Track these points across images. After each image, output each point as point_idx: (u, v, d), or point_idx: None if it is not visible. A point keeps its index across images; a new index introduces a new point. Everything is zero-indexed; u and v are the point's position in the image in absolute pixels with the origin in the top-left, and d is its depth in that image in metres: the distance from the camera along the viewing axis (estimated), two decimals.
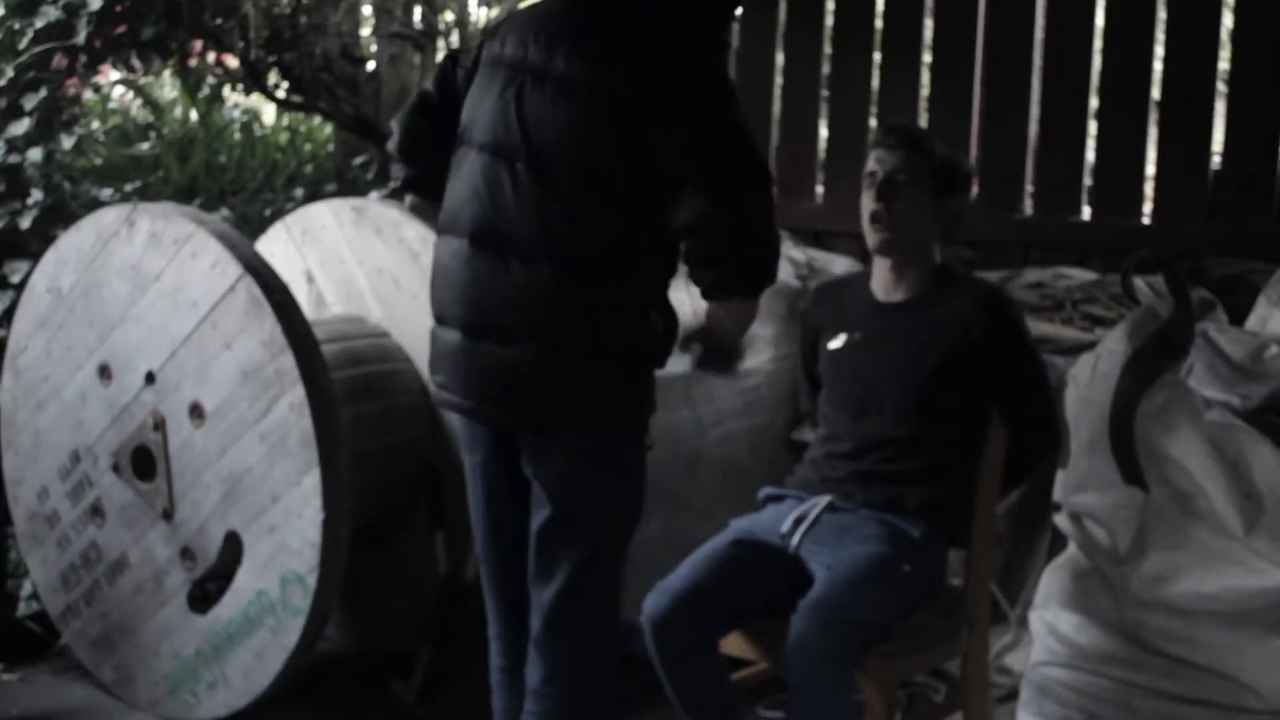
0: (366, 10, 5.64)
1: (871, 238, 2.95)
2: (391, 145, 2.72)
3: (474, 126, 2.55)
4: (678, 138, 2.40)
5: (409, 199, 2.80)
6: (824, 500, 2.90)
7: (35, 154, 4.05)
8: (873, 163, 2.95)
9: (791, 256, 4.21)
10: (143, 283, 3.38)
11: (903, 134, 2.97)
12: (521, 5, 4.15)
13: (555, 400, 2.47)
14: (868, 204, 2.94)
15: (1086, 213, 4.54)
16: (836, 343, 3.02)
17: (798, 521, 2.87)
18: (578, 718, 2.56)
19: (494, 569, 2.66)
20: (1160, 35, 4.35)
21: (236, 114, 5.87)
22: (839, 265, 4.18)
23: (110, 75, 5.02)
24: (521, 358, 2.44)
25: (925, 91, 4.87)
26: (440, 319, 2.58)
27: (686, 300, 3.77)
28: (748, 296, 2.47)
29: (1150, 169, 4.44)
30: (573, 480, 2.50)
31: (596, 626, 2.56)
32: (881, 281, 3.01)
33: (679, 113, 2.40)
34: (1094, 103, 4.49)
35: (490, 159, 2.51)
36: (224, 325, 3.25)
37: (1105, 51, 4.45)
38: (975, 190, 4.72)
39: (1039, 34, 4.61)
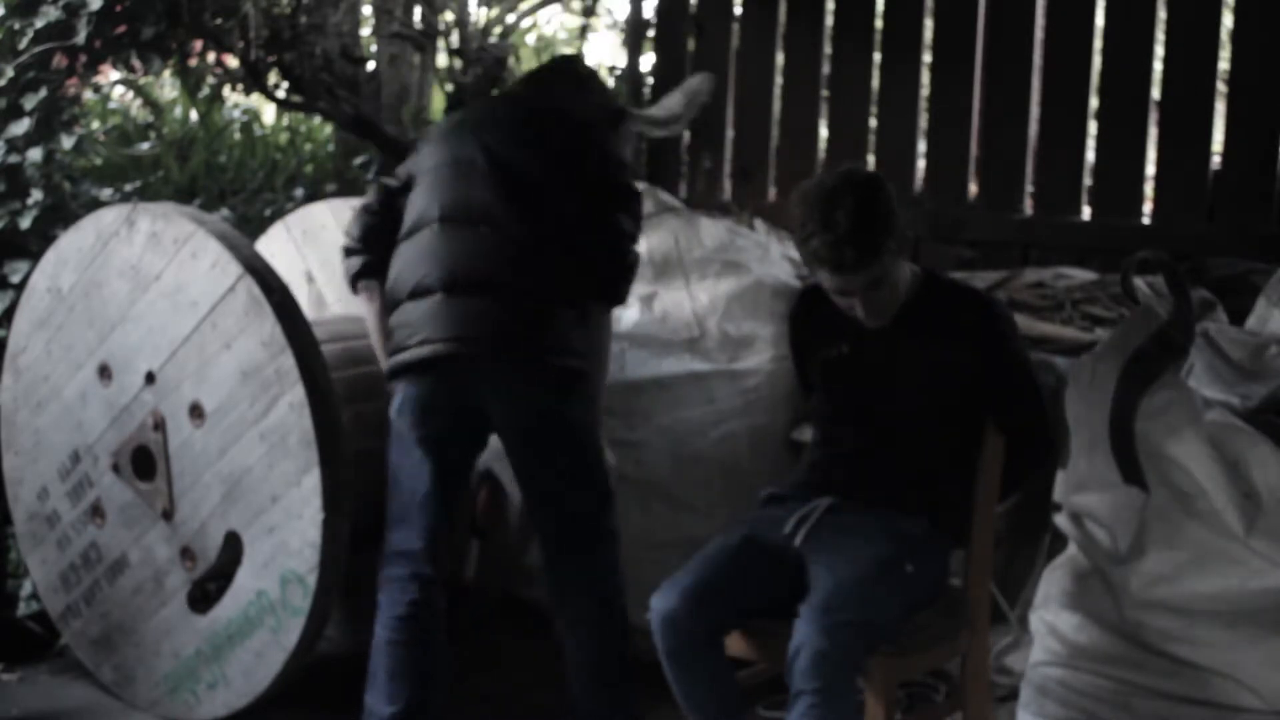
0: (366, 10, 5.64)
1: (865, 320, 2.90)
2: (352, 240, 3.24)
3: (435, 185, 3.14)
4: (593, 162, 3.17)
5: (363, 284, 3.23)
6: (825, 501, 2.90)
7: (35, 154, 4.05)
8: (834, 283, 2.83)
9: (792, 256, 4.20)
10: (143, 283, 3.38)
11: (847, 257, 2.76)
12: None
13: (528, 337, 2.98)
14: (848, 306, 2.86)
15: (1086, 213, 4.54)
16: (830, 354, 3.00)
17: (800, 521, 2.87)
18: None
19: (434, 505, 3.06)
20: (1160, 35, 4.35)
21: (236, 114, 5.87)
22: None
23: (110, 75, 5.02)
24: (495, 304, 2.97)
25: (925, 91, 4.87)
26: (414, 293, 3.02)
27: (686, 300, 3.75)
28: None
29: (1150, 169, 4.44)
30: (560, 400, 3.04)
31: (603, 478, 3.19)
32: None
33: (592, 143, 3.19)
34: (1094, 103, 4.49)
35: (452, 173, 3.10)
36: (224, 325, 3.25)
37: (1105, 51, 4.44)
38: (974, 190, 4.74)
39: (1039, 34, 4.61)
